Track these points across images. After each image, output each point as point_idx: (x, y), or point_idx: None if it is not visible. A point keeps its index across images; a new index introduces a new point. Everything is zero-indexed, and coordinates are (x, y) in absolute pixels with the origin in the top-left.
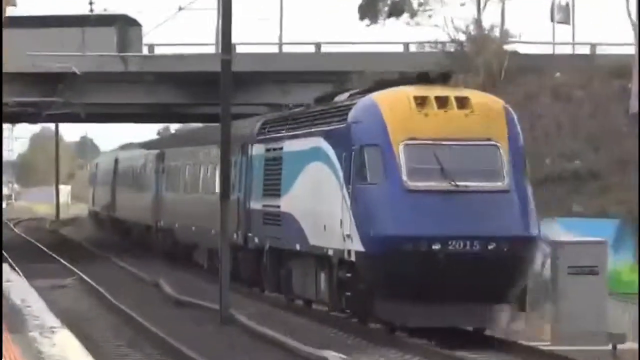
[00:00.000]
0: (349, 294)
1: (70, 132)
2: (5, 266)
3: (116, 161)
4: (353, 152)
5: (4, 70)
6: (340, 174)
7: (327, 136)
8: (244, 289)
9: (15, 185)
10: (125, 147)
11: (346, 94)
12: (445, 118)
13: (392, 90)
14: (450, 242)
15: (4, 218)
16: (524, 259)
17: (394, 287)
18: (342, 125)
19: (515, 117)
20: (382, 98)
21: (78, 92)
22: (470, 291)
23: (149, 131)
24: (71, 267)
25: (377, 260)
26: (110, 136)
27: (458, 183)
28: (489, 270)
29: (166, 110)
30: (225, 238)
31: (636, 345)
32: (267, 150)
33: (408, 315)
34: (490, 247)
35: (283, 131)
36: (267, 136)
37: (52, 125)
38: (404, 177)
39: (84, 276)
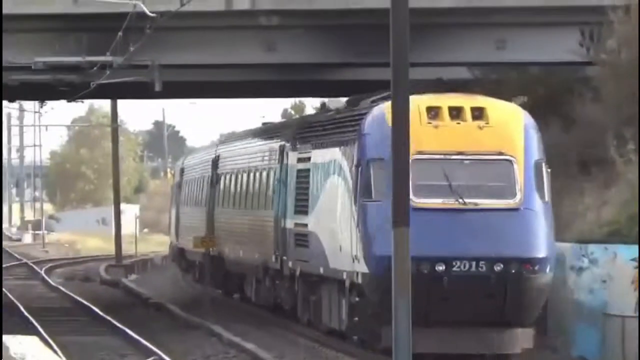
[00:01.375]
0: (357, 319)
1: (138, 115)
2: (33, 339)
3: (215, 162)
4: (360, 167)
5: (23, 11)
6: (352, 189)
7: (343, 147)
8: (281, 319)
9: (46, 205)
10: (231, 137)
11: (369, 99)
12: (457, 131)
13: None
14: (454, 263)
15: (29, 260)
16: (533, 282)
17: None
18: (354, 136)
19: (536, 128)
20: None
21: (150, 47)
22: (478, 315)
23: (274, 112)
24: (145, 342)
25: (380, 282)
26: (205, 123)
27: (466, 201)
28: (496, 293)
29: (296, 74)
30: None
31: None
32: (299, 159)
33: (415, 341)
34: (497, 268)
35: (312, 138)
36: (301, 143)
37: (105, 104)
38: (410, 194)
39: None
